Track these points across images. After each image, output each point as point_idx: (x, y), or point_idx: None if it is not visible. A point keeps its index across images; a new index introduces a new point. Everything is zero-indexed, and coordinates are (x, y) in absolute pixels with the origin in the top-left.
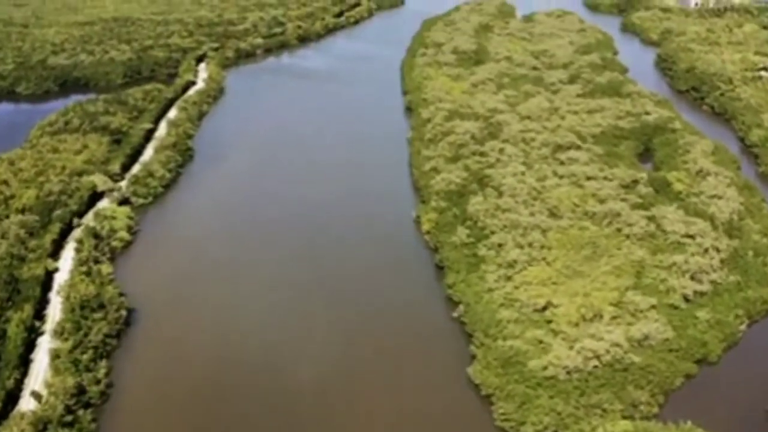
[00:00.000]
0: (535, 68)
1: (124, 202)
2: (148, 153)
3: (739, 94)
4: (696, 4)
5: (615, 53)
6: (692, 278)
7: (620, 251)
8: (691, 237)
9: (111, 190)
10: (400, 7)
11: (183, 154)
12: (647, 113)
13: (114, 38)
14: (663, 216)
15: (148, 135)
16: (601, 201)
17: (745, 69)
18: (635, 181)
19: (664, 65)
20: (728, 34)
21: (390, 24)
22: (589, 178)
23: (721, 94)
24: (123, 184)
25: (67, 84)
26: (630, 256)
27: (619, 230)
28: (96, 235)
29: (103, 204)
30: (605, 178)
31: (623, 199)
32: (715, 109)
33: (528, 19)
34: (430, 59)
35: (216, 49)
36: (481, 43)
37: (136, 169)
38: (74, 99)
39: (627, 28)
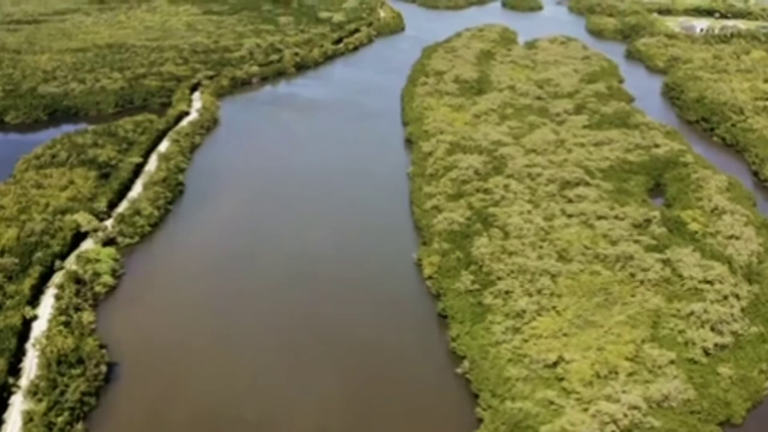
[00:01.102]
0: (539, 98)
1: (109, 242)
2: (137, 189)
3: (752, 125)
4: (701, 30)
5: (621, 81)
6: (712, 329)
7: (634, 298)
8: (709, 283)
9: (96, 230)
10: (399, 34)
11: (173, 189)
12: (657, 146)
13: (107, 66)
14: (679, 259)
15: (138, 169)
16: (613, 243)
17: (756, 98)
18: (648, 220)
19: (672, 94)
20: (736, 62)
21: (390, 51)
22: (599, 218)
23: (733, 125)
24: (109, 222)
25: (57, 113)
26: (645, 303)
27: (632, 275)
28: (78, 280)
29: (87, 245)
30: (616, 217)
31: (636, 241)
32: (727, 140)
33: (530, 45)
34: (431, 88)
35: (211, 78)
36: (483, 71)
37: (123, 206)
38: (64, 129)
39: (632, 55)
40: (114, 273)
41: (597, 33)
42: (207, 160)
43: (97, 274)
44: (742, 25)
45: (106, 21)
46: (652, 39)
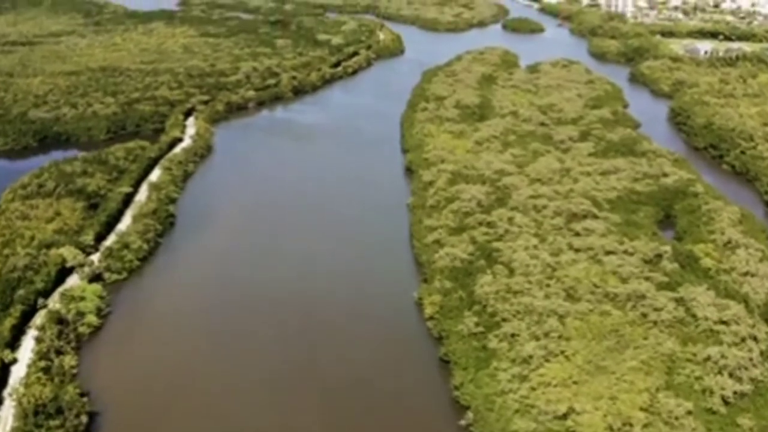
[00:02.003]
0: (542, 124)
1: (95, 278)
2: (126, 221)
3: (762, 152)
4: (705, 53)
5: (625, 106)
6: (730, 376)
7: (647, 341)
8: (725, 323)
9: (81, 265)
10: (399, 57)
11: (163, 221)
12: (665, 175)
13: (100, 90)
14: (692, 298)
15: (128, 199)
16: (623, 280)
17: (765, 123)
18: (659, 256)
19: (678, 119)
20: (743, 86)
21: (389, 75)
22: (608, 252)
23: (742, 152)
24: (96, 257)
25: (48, 140)
26: (659, 347)
27: (644, 315)
28: (60, 320)
29: (73, 281)
30: (626, 251)
31: (647, 278)
32: (737, 168)
33: (532, 69)
34: (432, 114)
35: (206, 102)
36: (485, 95)
37: (111, 239)
38: (54, 156)
39: (636, 79)
40: (99, 312)
41: (600, 56)
42: (199, 189)
43: (81, 314)
44: (746, 47)
45: (101, 43)
46: (656, 62)
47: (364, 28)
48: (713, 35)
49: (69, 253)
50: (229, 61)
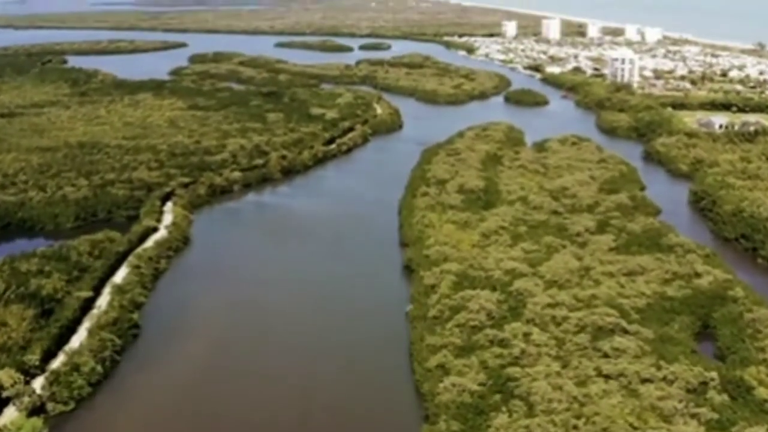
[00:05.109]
0: (555, 212)
1: (37, 409)
2: (81, 334)
3: None
4: (720, 127)
5: (642, 188)
6: None
7: None
8: None
9: (20, 395)
10: (397, 132)
11: (125, 333)
12: (698, 274)
13: (74, 169)
14: None
15: (87, 305)
16: (665, 418)
17: None
18: (704, 383)
19: (702, 205)
20: (767, 164)
21: (386, 153)
22: (644, 380)
23: None
24: (39, 382)
25: (11, 226)
26: None
27: None
28: None
29: (9, 413)
30: (665, 378)
31: (693, 414)
32: None
33: (540, 147)
34: (433, 200)
35: (186, 185)
36: (491, 178)
37: (60, 359)
38: (17, 245)
39: (651, 157)
40: None
41: (609, 131)
42: (171, 292)
43: None
44: (763, 120)
45: (84, 115)
46: (671, 138)
47: (361, 100)
48: (725, 107)
49: (7, 378)
50: (215, 138)
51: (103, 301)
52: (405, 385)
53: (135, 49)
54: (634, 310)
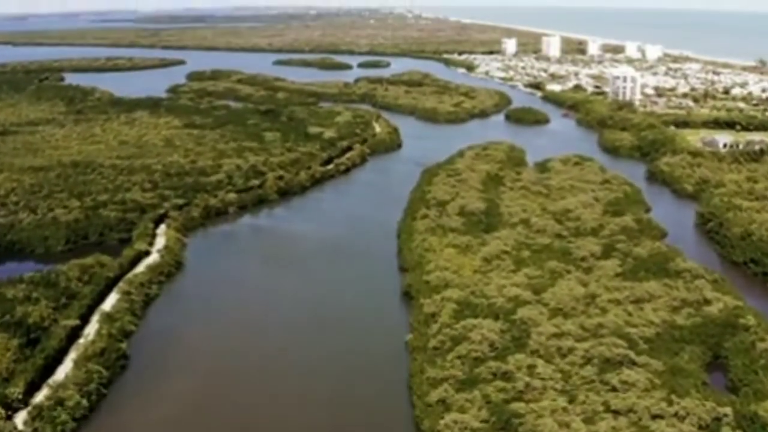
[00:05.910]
0: (559, 235)
1: None
2: (67, 365)
3: None
4: (725, 146)
5: (647, 210)
6: None
7: None
8: None
9: (1, 431)
10: (396, 151)
11: (113, 365)
12: (707, 301)
13: (66, 190)
14: None
15: (74, 334)
16: None
17: None
18: (717, 419)
19: (709, 227)
20: None
21: (385, 174)
22: (654, 416)
23: None
24: (21, 417)
25: (0, 249)
26: None
27: None
28: None
29: None
30: (676, 414)
31: None
32: None
33: (542, 167)
34: (433, 223)
35: (181, 207)
36: (492, 199)
37: (43, 393)
38: (7, 269)
39: (655, 177)
40: None
41: (612, 150)
42: (161, 319)
43: None
44: (766, 137)
45: (79, 134)
46: (675, 158)
47: (360, 119)
48: (729, 125)
49: None
50: (211, 157)
51: (91, 329)
52: (405, 420)
53: (133, 67)
54: (643, 339)
